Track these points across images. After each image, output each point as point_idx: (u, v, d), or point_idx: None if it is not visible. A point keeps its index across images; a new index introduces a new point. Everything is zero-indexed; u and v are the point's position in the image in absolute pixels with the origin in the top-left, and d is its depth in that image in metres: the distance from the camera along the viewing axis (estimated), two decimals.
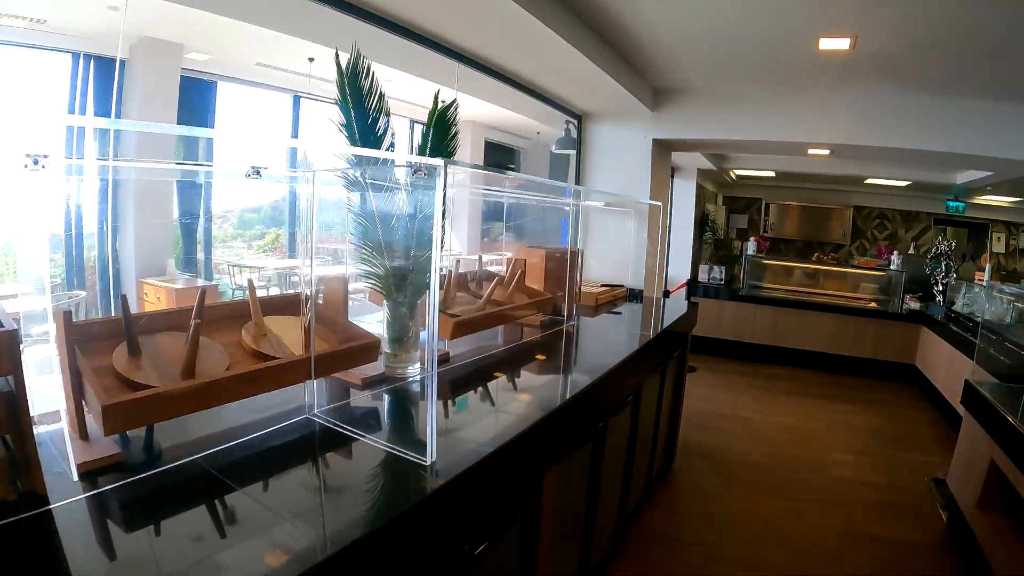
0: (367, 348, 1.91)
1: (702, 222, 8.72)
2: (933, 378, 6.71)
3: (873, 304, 7.94)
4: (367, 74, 1.95)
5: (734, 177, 9.61)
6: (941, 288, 7.60)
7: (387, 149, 2.04)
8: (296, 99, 9.23)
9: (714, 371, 7.44)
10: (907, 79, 4.03)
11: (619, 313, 4.17)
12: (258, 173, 1.65)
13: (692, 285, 8.12)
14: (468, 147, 13.46)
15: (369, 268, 2.10)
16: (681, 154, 6.99)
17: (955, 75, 3.89)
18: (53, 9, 5.19)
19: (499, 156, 15.72)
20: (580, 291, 3.90)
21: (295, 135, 10.00)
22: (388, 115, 2.01)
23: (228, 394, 1.52)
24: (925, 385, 6.99)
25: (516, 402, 2.17)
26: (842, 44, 3.51)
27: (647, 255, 4.88)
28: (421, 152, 2.19)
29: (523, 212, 4.36)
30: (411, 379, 2.21)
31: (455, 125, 2.22)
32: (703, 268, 8.28)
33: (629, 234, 4.70)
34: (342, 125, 1.95)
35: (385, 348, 2.21)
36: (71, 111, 6.63)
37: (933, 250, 7.68)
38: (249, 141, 2.02)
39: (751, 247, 8.15)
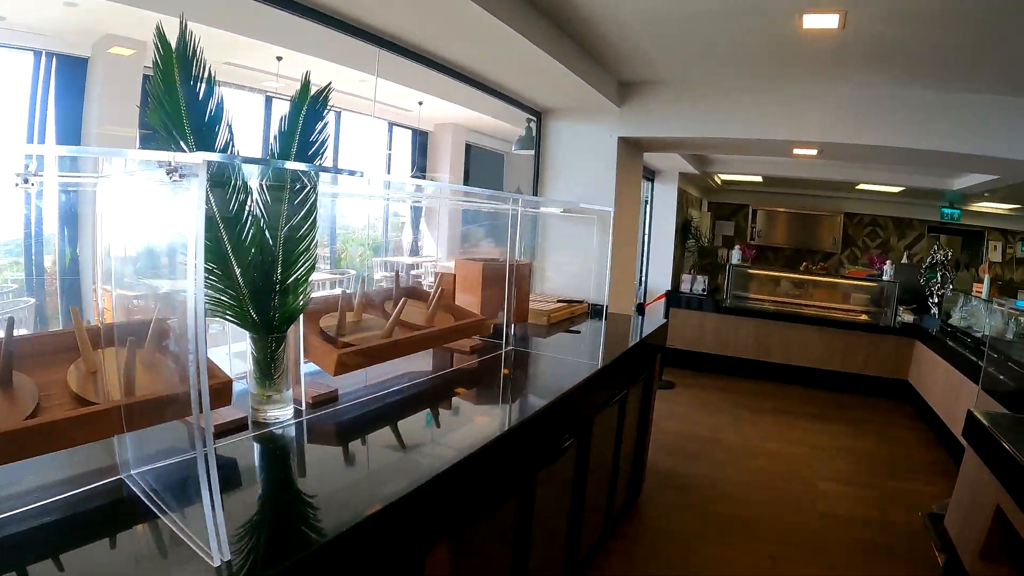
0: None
1: (684, 229, 8.27)
2: (927, 396, 6.26)
3: (864, 317, 7.49)
4: (195, 53, 1.47)
5: (719, 182, 9.16)
6: (936, 300, 7.16)
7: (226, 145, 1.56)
8: (268, 100, 8.87)
9: (694, 387, 6.97)
10: (904, 69, 3.56)
11: (577, 332, 3.70)
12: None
13: (673, 296, 7.66)
14: (448, 151, 13.01)
15: (214, 292, 1.62)
16: (661, 157, 6.54)
17: (958, 64, 3.43)
18: (11, 3, 4.82)
19: (482, 161, 15.27)
20: (528, 308, 3.42)
21: (266, 138, 9.58)
22: (222, 106, 1.53)
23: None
24: (918, 403, 6.55)
25: (400, 459, 1.68)
26: (830, 22, 3.05)
27: (616, 266, 4.42)
28: (284, 149, 1.72)
29: (480, 219, 3.93)
30: (278, 425, 1.74)
31: (325, 117, 1.75)
32: (685, 278, 7.82)
33: (591, 243, 4.23)
34: (161, 114, 1.46)
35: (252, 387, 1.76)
36: (32, 109, 6.33)
37: (928, 259, 7.24)
38: None
39: (735, 256, 7.70)
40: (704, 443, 5.26)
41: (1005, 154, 3.71)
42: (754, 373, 7.43)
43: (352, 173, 1.84)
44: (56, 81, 6.25)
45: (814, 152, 4.20)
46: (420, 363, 2.56)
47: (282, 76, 7.47)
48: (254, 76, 7.57)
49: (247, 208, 1.55)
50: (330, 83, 1.76)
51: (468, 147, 13.80)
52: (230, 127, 1.53)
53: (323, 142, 1.75)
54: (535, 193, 4.49)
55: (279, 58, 6.72)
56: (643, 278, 7.96)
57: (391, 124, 12.36)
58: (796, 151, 4.24)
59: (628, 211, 4.55)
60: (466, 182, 13.75)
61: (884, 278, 7.40)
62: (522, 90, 4.11)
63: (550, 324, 3.65)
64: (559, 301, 3.93)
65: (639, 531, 3.68)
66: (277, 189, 1.63)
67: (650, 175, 7.59)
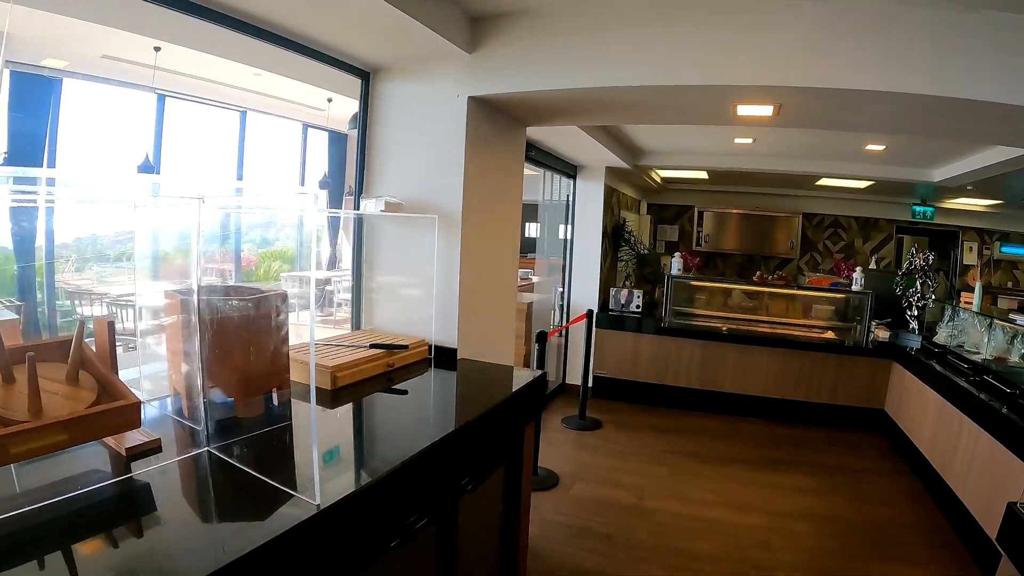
0: None
1: (616, 234, 6.95)
2: (912, 432, 5.04)
3: (830, 334, 6.24)
4: None
5: (659, 180, 7.89)
6: (916, 313, 5.95)
7: None
8: (161, 98, 7.65)
9: (626, 427, 5.63)
10: None
11: (403, 392, 2.34)
12: None
13: (602, 315, 6.33)
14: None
15: None
16: (580, 146, 5.22)
17: None
18: None
19: None
20: (283, 368, 2.02)
21: (159, 137, 8.22)
22: None
23: None
24: (895, 434, 5.35)
25: None
26: None
27: (483, 288, 3.09)
28: None
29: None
30: None
31: None
32: (616, 292, 6.49)
33: (432, 257, 2.87)
34: None
35: None
36: None
37: (906, 265, 6.03)
38: None
39: (675, 265, 6.40)
40: (625, 515, 3.91)
41: None
42: (701, 405, 6.13)
43: None
44: None
45: (769, 111, 2.78)
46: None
47: (160, 69, 6.38)
48: (136, 70, 6.61)
49: None
50: None
51: None
52: None
53: None
54: (360, 185, 3.10)
55: (157, 48, 5.70)
56: (565, 295, 6.61)
57: (306, 126, 10.95)
58: (742, 110, 2.85)
59: (500, 210, 3.19)
60: None
61: (853, 288, 6.16)
62: (342, 42, 2.74)
63: (338, 388, 2.25)
64: (373, 346, 2.54)
65: None
66: None
67: (571, 171, 6.27)
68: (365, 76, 3.06)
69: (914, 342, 5.73)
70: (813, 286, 6.54)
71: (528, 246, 11.38)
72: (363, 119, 3.06)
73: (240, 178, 9.76)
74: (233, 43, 2.78)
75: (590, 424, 5.56)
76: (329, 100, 8.87)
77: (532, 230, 8.52)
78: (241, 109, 9.53)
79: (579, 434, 5.41)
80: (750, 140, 5.09)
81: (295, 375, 2.01)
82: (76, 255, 3.05)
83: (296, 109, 10.03)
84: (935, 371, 4.66)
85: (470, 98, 2.81)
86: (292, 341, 2.01)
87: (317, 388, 2.23)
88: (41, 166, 6.21)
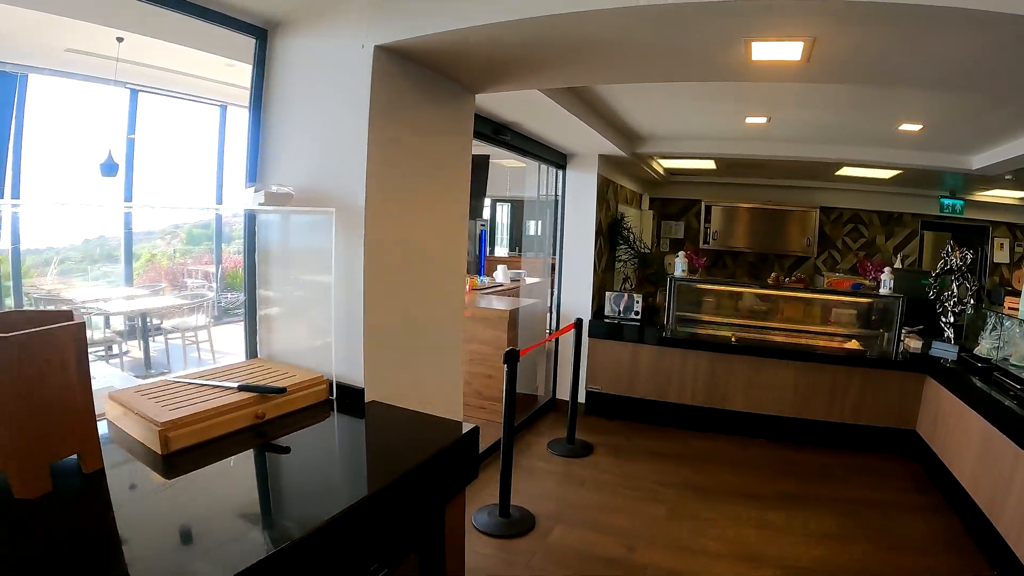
0: None
1: (613, 231, 6.24)
2: (947, 457, 4.37)
3: (854, 344, 5.51)
4: None
5: (661, 171, 7.18)
6: (951, 320, 5.21)
7: None
8: (134, 93, 7.27)
9: (621, 452, 4.94)
10: None
11: (283, 450, 1.67)
12: None
13: (596, 322, 5.64)
14: None
15: None
16: (572, 131, 4.53)
17: None
18: None
19: None
20: (87, 428, 1.35)
21: (131, 132, 7.65)
22: None
23: None
24: (928, 459, 4.66)
25: None
26: None
27: (415, 302, 2.41)
28: None
29: None
30: None
31: None
32: (612, 297, 5.79)
33: (331, 264, 2.18)
34: None
35: None
36: None
37: (941, 265, 5.29)
38: None
39: (678, 265, 5.68)
40: (611, 568, 3.23)
41: None
42: (707, 425, 5.43)
43: None
44: None
45: (797, 51, 1.95)
46: None
47: (123, 60, 5.83)
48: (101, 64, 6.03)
49: None
50: None
51: None
52: None
53: None
54: (253, 171, 2.41)
55: (119, 39, 5.30)
56: (555, 300, 5.91)
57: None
58: (759, 51, 2.01)
59: (432, 204, 2.50)
60: None
61: (882, 290, 5.42)
62: None
63: (173, 452, 1.57)
64: (242, 388, 1.85)
65: None
66: None
67: (560, 160, 5.57)
68: (261, 35, 2.37)
69: (950, 353, 5.01)
70: (835, 289, 5.81)
71: (527, 244, 10.72)
72: (256, 88, 2.37)
73: (220, 173, 9.23)
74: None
75: (579, 449, 4.87)
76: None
77: (531, 227, 7.84)
78: (221, 103, 9.01)
79: (566, 462, 4.72)
80: (764, 120, 4.38)
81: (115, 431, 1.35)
82: None
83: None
84: (978, 389, 3.96)
85: (378, 48, 2.11)
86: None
87: (144, 452, 1.56)
88: (6, 164, 5.91)
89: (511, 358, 3.47)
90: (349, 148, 2.12)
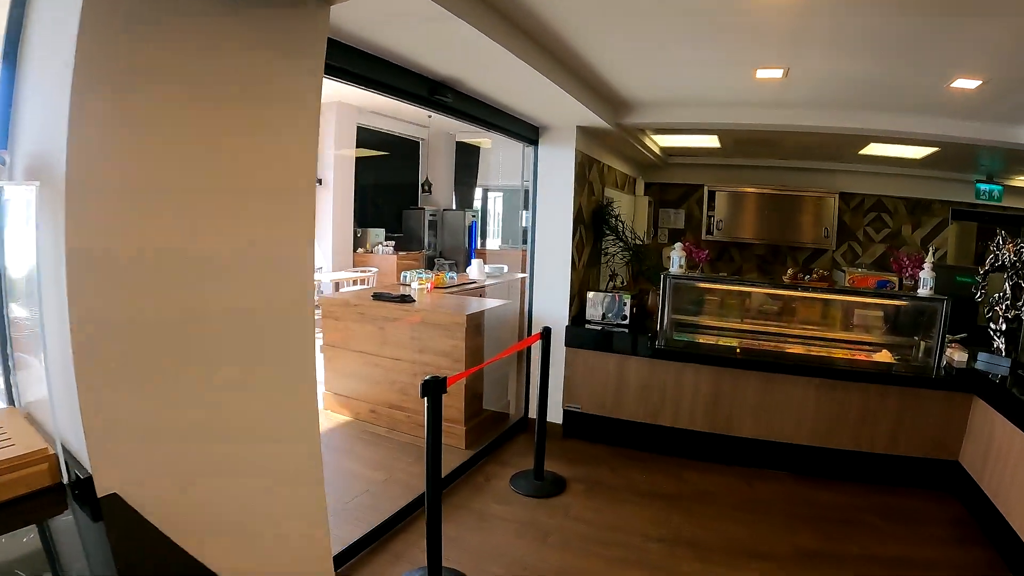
0: None
1: (598, 218, 5.29)
2: (999, 497, 3.50)
3: (885, 355, 4.56)
4: None
5: (658, 151, 6.22)
6: (1002, 327, 4.26)
7: None
8: None
9: (599, 490, 4.02)
10: None
11: None
12: None
13: (576, 328, 4.71)
14: (331, 134, 10.20)
15: None
16: (542, 96, 3.62)
17: None
18: None
19: (389, 150, 12.30)
20: None
21: None
22: None
23: None
24: (973, 497, 3.74)
25: None
26: None
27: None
28: None
29: None
30: None
31: None
32: (595, 299, 4.85)
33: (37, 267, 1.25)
34: None
35: None
36: None
37: (991, 260, 4.34)
38: None
39: (675, 260, 4.71)
40: None
41: None
42: (708, 454, 4.50)
43: None
44: None
45: None
46: None
47: None
48: None
49: None
50: None
51: (368, 132, 11.06)
52: None
53: None
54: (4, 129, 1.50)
55: None
56: (528, 302, 4.98)
57: None
58: None
59: (218, 177, 1.55)
60: (359, 172, 10.94)
61: (921, 291, 4.46)
62: None
63: None
64: None
65: None
66: None
67: (530, 134, 4.62)
68: None
69: (1001, 367, 4.08)
70: (867, 289, 4.84)
71: (520, 237, 9.86)
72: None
73: None
74: None
75: (549, 487, 3.96)
76: None
77: (524, 218, 6.93)
78: None
79: (530, 504, 3.81)
80: (779, 72, 3.41)
81: None
82: None
83: None
84: None
85: None
86: None
87: None
88: None
89: (432, 389, 2.53)
90: (53, 87, 1.21)
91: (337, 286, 9.47)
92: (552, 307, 4.77)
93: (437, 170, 12.81)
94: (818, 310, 4.98)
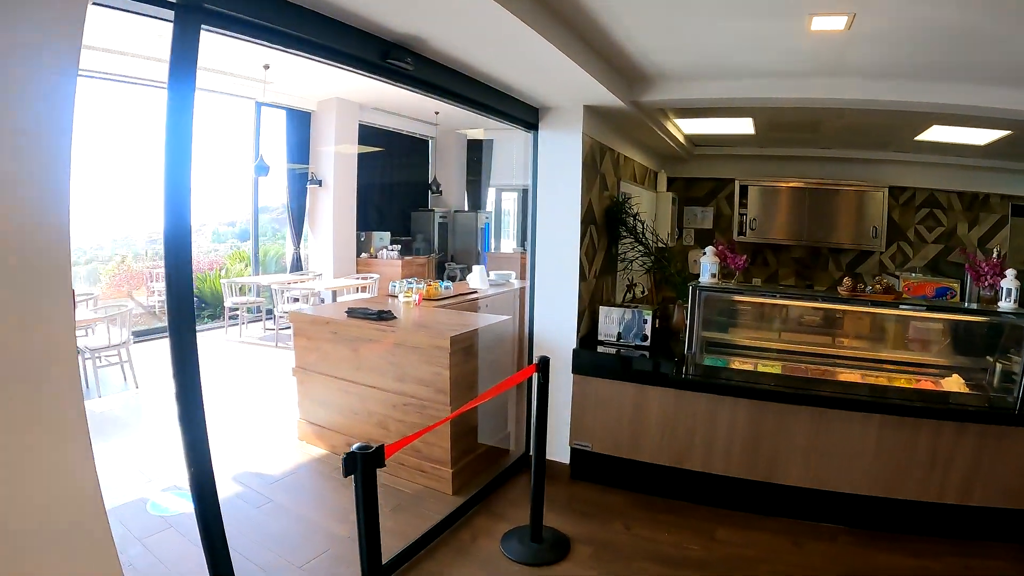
0: None
1: (613, 218, 4.49)
2: None
3: (956, 382, 3.73)
4: None
5: (682, 139, 5.42)
6: None
7: None
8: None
9: (611, 555, 3.25)
10: None
11: None
12: None
13: (585, 352, 3.93)
14: (332, 132, 9.57)
15: None
16: (537, 63, 2.87)
17: None
18: None
19: (396, 149, 11.62)
20: None
21: None
22: None
23: None
24: None
25: None
26: None
27: None
28: None
29: None
30: None
31: None
32: (608, 315, 4.05)
33: None
34: None
35: None
36: None
37: None
38: None
39: (706, 267, 3.89)
40: None
41: None
42: (747, 504, 3.70)
43: None
44: None
45: None
46: None
47: None
48: None
49: None
50: None
51: (370, 131, 10.45)
52: None
53: None
54: None
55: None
56: (528, 319, 4.20)
57: (259, 104, 8.93)
58: None
59: None
60: (363, 172, 10.29)
61: (1003, 304, 3.61)
62: None
63: None
64: None
65: None
66: None
67: (529, 117, 3.84)
68: None
69: None
70: (947, 304, 3.98)
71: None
72: None
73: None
74: None
75: (548, 551, 3.19)
76: (266, 66, 7.50)
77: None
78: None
79: (525, 572, 3.04)
80: (843, 21, 2.58)
81: None
82: None
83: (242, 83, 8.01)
84: None
85: None
86: None
87: None
88: None
89: (361, 466, 1.76)
90: None
91: (335, 295, 8.78)
92: (557, 326, 3.99)
93: (447, 169, 12.19)
94: (875, 327, 4.15)
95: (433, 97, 2.91)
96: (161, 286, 9.30)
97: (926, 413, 3.40)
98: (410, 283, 5.19)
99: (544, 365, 3.06)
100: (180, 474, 3.92)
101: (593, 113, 3.90)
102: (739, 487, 3.68)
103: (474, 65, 2.91)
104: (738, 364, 3.92)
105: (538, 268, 4.03)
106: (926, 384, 3.73)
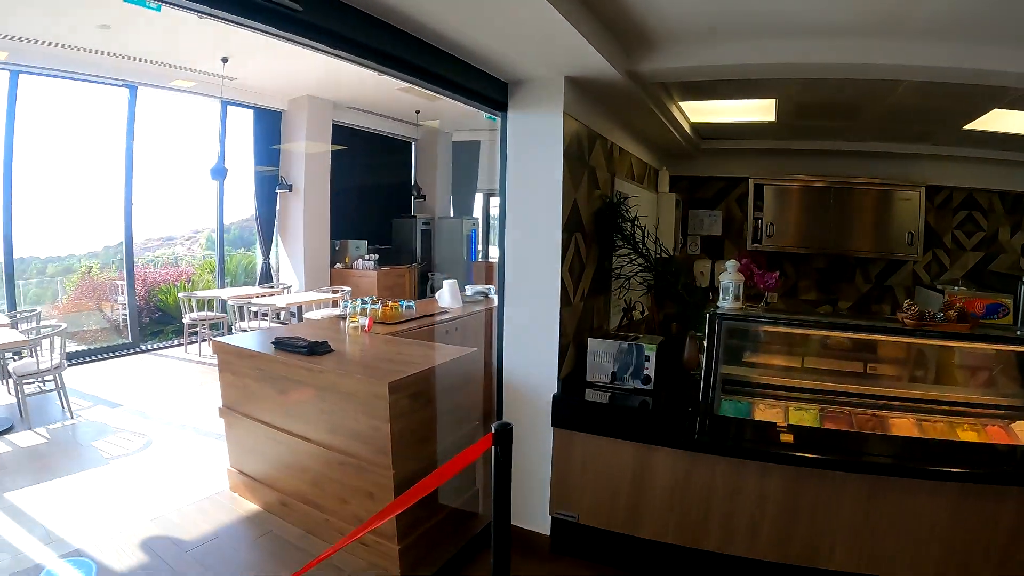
0: None
1: (604, 222, 3.63)
2: None
3: (1020, 431, 2.89)
4: None
5: (687, 129, 4.58)
6: None
7: None
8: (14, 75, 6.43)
9: None
10: None
11: None
12: None
13: (567, 398, 3.07)
14: (302, 130, 8.82)
15: None
16: (497, 13, 2.02)
17: None
18: None
19: (375, 151, 10.83)
20: None
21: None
22: None
23: None
24: None
25: None
26: None
27: None
28: None
29: None
30: None
31: None
32: (599, 349, 3.19)
33: None
34: None
35: None
36: None
37: None
38: None
39: (728, 288, 3.03)
40: None
41: None
42: None
43: None
44: None
45: None
46: None
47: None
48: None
49: None
50: None
51: (345, 131, 9.73)
52: None
53: None
54: None
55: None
56: (496, 354, 3.33)
57: (224, 103, 8.22)
58: None
59: None
60: (338, 177, 9.53)
61: None
62: None
63: None
64: None
65: None
66: None
67: (496, 94, 2.99)
68: None
69: None
70: (996, 333, 3.12)
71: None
72: None
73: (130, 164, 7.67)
74: None
75: None
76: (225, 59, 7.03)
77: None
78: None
79: None
80: None
81: None
82: None
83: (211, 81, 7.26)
84: None
85: None
86: None
87: None
88: None
89: None
90: None
91: (301, 311, 7.96)
92: (533, 365, 3.14)
93: (431, 173, 11.48)
94: (932, 360, 3.30)
95: (344, 57, 2.04)
96: (125, 299, 8.51)
97: (1012, 480, 2.56)
98: (365, 302, 4.34)
99: (504, 435, 2.18)
100: (91, 535, 3.22)
101: (578, 88, 3.05)
102: (767, 573, 2.82)
103: (404, 9, 2.05)
104: (764, 408, 3.07)
105: (508, 292, 3.17)
106: (996, 431, 2.89)
